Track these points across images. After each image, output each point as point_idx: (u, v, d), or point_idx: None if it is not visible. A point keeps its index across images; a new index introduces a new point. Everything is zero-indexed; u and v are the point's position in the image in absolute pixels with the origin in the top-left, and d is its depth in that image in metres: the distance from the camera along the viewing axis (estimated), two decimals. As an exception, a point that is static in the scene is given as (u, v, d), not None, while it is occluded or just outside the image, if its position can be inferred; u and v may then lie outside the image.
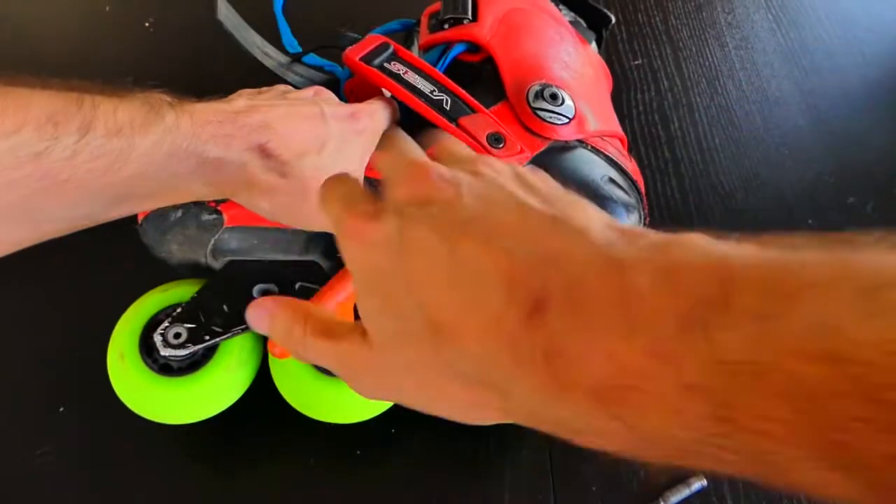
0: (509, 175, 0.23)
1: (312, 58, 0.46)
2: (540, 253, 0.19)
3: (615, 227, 0.19)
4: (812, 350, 0.14)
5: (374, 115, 0.37)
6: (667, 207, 0.51)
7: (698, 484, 0.38)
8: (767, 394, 0.14)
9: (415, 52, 0.45)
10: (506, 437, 0.39)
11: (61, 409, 0.39)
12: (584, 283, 0.18)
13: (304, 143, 0.32)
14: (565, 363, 0.17)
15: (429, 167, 0.23)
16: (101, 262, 0.44)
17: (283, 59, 0.46)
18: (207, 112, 0.29)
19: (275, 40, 0.46)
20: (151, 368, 0.35)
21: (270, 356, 0.37)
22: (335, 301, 0.35)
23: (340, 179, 0.25)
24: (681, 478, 0.38)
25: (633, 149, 0.50)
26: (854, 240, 0.16)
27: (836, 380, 0.14)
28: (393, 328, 0.22)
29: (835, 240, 0.16)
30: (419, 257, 0.20)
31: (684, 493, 0.38)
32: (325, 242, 0.37)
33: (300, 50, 0.46)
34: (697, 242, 0.17)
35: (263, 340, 0.38)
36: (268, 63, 0.44)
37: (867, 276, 0.14)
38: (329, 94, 0.37)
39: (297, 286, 0.38)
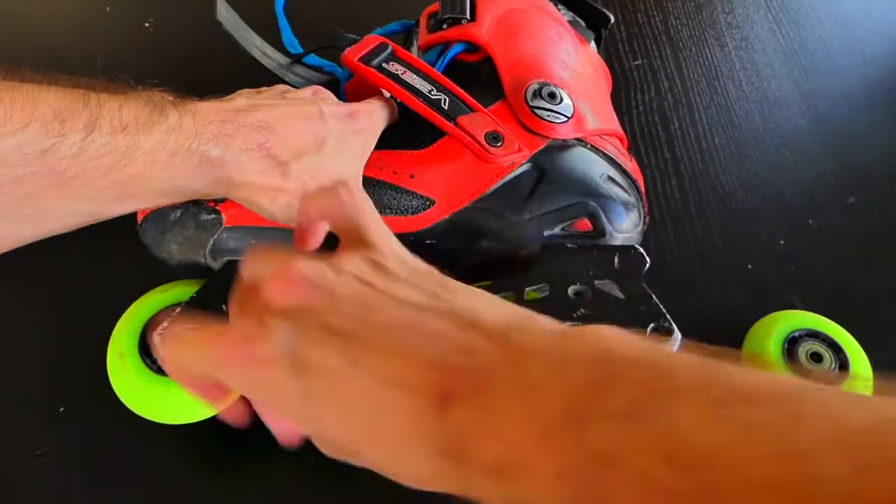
0: (370, 270, 0.24)
1: (312, 58, 0.46)
2: (440, 350, 0.20)
3: (503, 308, 0.21)
4: (662, 451, 0.16)
5: (373, 114, 0.37)
6: (667, 207, 0.51)
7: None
8: (625, 487, 0.16)
9: (414, 52, 0.45)
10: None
11: (61, 409, 0.39)
12: (487, 376, 0.19)
13: (303, 142, 0.32)
14: (469, 446, 0.19)
15: (290, 268, 0.23)
16: (101, 263, 0.44)
17: (283, 59, 0.46)
18: (209, 111, 0.29)
19: (275, 41, 0.46)
20: (151, 369, 0.35)
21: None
22: None
23: (177, 318, 0.28)
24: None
25: (632, 148, 0.50)
26: (723, 353, 0.18)
27: (679, 480, 0.15)
28: (314, 434, 0.23)
29: (708, 350, 0.18)
30: (321, 378, 0.21)
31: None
32: (324, 242, 0.37)
33: (300, 50, 0.46)
34: (591, 336, 0.19)
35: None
36: (267, 63, 0.44)
37: (719, 388, 0.17)
38: (328, 94, 0.37)
39: None
